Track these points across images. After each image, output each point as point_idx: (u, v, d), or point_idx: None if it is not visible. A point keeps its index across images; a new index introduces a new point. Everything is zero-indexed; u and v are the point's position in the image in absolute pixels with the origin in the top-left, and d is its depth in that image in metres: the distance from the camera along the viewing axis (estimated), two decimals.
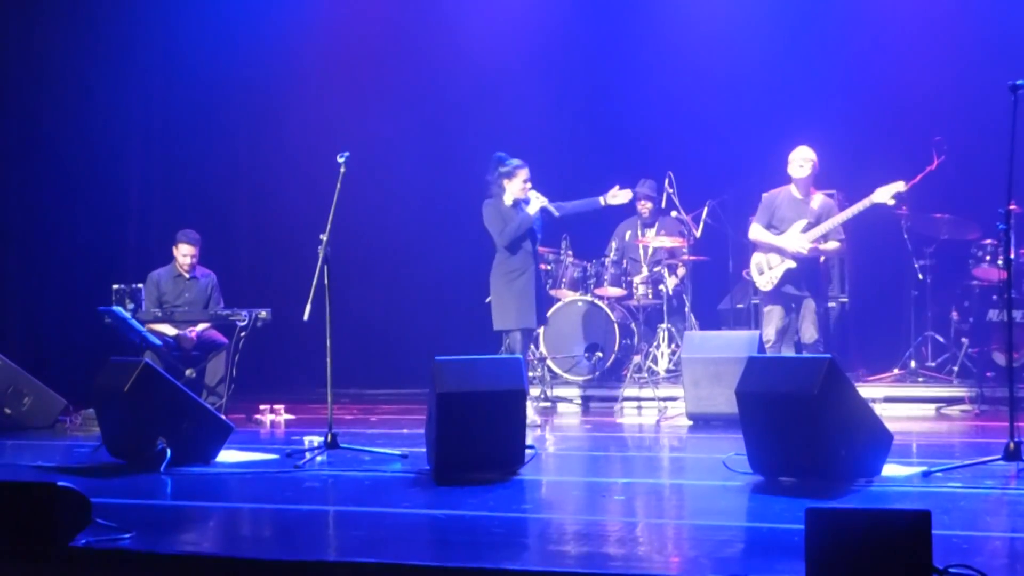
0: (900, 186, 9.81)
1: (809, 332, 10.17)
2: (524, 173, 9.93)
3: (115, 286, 10.34)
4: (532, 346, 11.45)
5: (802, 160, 10.14)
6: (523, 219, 9.86)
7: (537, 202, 9.94)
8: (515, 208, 9.90)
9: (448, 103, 13.42)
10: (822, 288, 10.58)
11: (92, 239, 12.36)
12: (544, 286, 10.44)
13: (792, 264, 10.11)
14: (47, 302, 12.14)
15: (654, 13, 13.06)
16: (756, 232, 10.35)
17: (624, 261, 12.18)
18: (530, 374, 11.08)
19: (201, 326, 10.71)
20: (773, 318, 10.24)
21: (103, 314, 10.21)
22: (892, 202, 9.88)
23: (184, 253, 10.88)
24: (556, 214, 10.06)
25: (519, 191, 9.90)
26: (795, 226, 10.11)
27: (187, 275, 10.92)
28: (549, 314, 11.74)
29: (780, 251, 10.18)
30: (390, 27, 13.64)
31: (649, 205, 12.25)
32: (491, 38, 13.31)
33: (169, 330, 10.59)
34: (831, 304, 11.59)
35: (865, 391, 10.07)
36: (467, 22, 13.38)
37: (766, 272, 10.27)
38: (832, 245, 10.25)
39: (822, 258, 10.49)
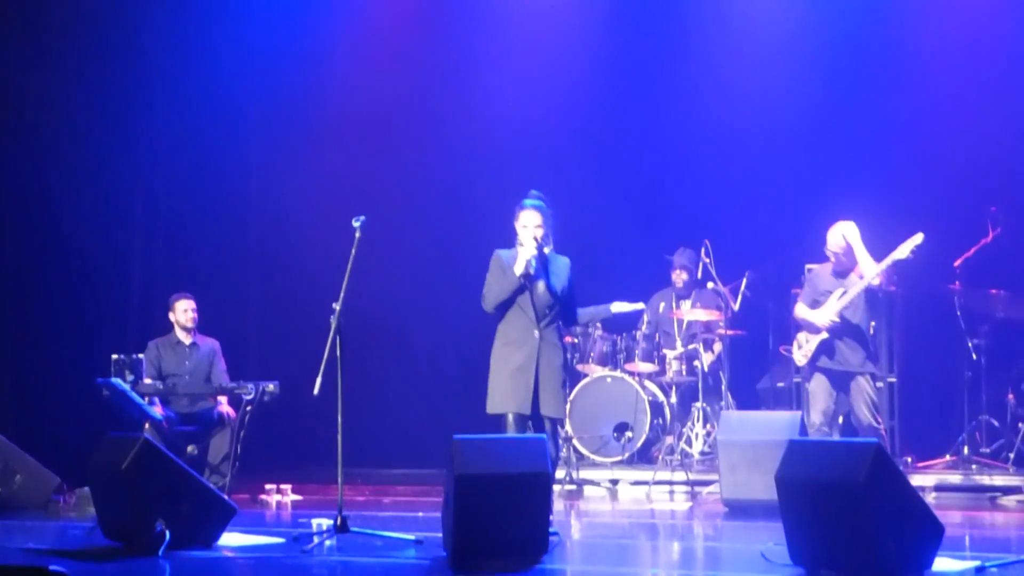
0: (919, 239, 9.73)
1: (864, 414, 10.04)
2: (523, 217, 8.41)
3: (114, 356, 10.35)
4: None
5: (833, 245, 10.09)
6: (508, 278, 8.33)
7: (522, 256, 8.31)
8: (527, 263, 8.30)
9: (471, 167, 13.46)
10: (873, 364, 10.34)
11: (90, 306, 12.40)
12: (563, 368, 8.62)
13: (825, 335, 10.08)
14: (40, 372, 12.15)
15: (694, 77, 13.09)
16: (799, 310, 10.35)
17: (657, 335, 12.18)
18: None
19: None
20: (818, 399, 10.15)
21: (101, 386, 10.22)
22: (911, 256, 9.80)
23: (185, 308, 10.96)
24: (527, 268, 8.26)
25: (521, 239, 8.40)
26: (832, 298, 10.09)
27: (188, 340, 10.96)
28: (575, 391, 11.75)
29: (813, 325, 10.15)
30: (408, 88, 13.71)
31: (684, 276, 12.27)
32: (522, 101, 13.37)
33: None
34: (879, 384, 11.55)
35: (914, 479, 10.05)
36: (497, 84, 13.44)
37: (803, 346, 10.26)
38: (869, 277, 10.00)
39: (870, 333, 10.39)
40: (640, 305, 9.22)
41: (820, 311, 10.09)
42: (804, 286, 10.53)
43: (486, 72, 13.53)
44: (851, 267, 10.08)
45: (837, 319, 9.99)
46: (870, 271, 9.86)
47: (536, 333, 8.29)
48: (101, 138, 12.44)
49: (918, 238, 9.73)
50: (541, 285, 8.30)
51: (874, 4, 12.66)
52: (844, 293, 10.00)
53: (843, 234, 10.02)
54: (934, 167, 12.43)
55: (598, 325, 12.08)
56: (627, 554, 8.26)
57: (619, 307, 9.03)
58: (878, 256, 9.93)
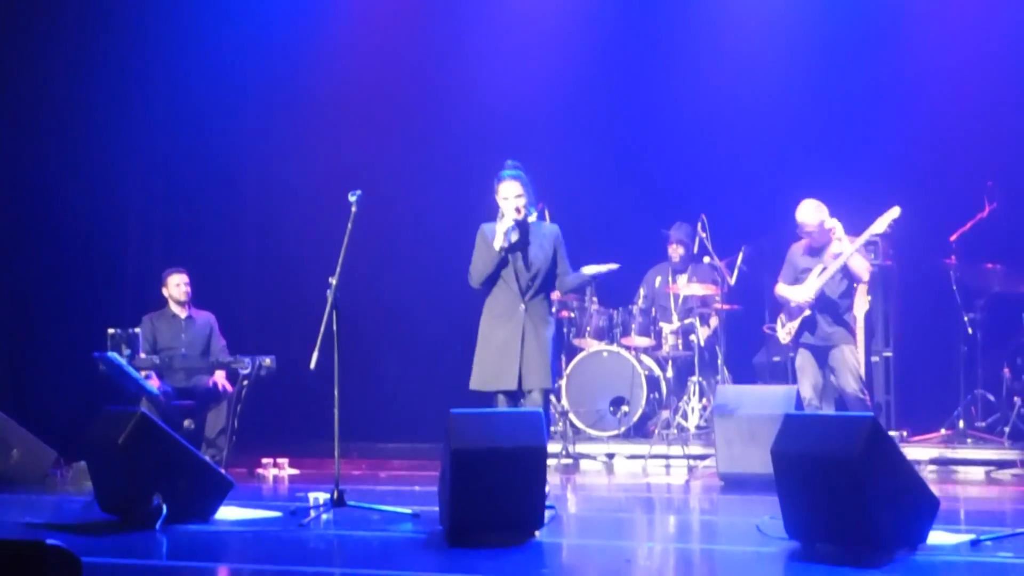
0: (895, 212, 9.71)
1: (849, 384, 10.06)
2: (502, 189, 8.25)
3: (110, 330, 10.34)
4: (553, 398, 11.44)
5: (805, 224, 10.06)
6: (490, 252, 8.22)
7: (500, 228, 8.20)
8: (506, 235, 8.21)
9: (466, 142, 13.41)
10: (854, 335, 10.37)
11: (86, 280, 12.39)
12: (558, 341, 8.65)
13: (807, 312, 10.09)
14: (37, 347, 12.16)
15: (690, 51, 13.07)
16: (780, 289, 10.34)
17: (653, 309, 12.19)
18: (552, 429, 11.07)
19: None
20: (806, 374, 10.17)
21: (97, 360, 10.21)
22: (888, 230, 9.81)
23: (177, 283, 10.98)
24: (504, 242, 8.17)
25: (503, 211, 8.25)
26: (812, 275, 10.08)
27: (183, 314, 10.98)
28: (571, 366, 11.77)
29: (793, 303, 10.14)
30: (404, 61, 13.68)
31: (681, 250, 12.28)
32: (518, 77, 13.33)
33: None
34: (874, 358, 11.56)
35: (910, 453, 10.07)
36: (492, 59, 13.41)
37: (786, 324, 10.26)
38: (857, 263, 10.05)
39: (865, 308, 10.40)
40: (613, 265, 8.98)
41: (800, 288, 10.08)
42: (784, 265, 10.52)
43: (482, 47, 13.49)
44: (826, 243, 10.06)
45: (815, 296, 9.99)
46: (848, 247, 9.86)
47: (521, 307, 8.22)
48: (97, 113, 12.41)
49: (895, 212, 9.74)
50: (523, 257, 8.24)
51: None
52: (824, 270, 10.00)
53: (814, 211, 10.00)
54: (930, 141, 12.40)
55: (595, 300, 12.09)
56: (623, 527, 8.28)
57: (589, 269, 8.75)
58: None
